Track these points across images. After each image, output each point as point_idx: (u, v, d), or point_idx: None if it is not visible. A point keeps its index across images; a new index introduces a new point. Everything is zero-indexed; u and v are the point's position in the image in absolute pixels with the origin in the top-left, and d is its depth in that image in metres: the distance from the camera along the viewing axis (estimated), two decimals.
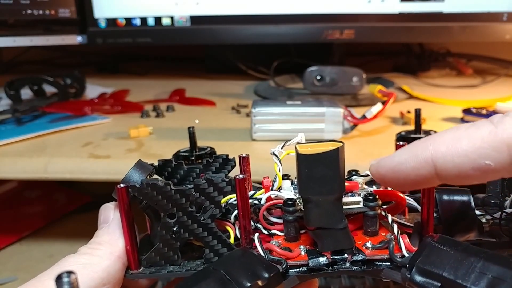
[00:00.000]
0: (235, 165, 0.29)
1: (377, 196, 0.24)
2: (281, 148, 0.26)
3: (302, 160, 0.21)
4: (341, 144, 0.21)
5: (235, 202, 0.24)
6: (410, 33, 0.75)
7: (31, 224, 0.68)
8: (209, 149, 0.32)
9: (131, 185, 0.23)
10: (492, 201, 0.26)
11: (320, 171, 0.21)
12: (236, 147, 0.50)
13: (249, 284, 0.21)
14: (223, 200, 0.24)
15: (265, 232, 0.25)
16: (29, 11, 0.70)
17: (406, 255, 0.22)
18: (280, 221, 0.25)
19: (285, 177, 0.27)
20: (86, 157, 0.47)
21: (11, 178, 0.48)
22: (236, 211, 0.24)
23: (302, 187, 0.22)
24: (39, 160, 0.47)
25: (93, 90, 0.77)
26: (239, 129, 0.56)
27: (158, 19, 0.76)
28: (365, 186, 0.26)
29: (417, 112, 0.33)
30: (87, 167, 0.46)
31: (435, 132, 0.35)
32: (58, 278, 0.15)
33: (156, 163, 0.29)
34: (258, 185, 0.27)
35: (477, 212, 0.25)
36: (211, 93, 0.76)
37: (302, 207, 0.23)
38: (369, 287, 0.46)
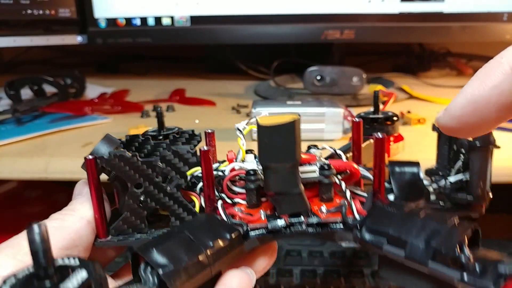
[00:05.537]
0: (200, 140, 0.30)
1: (332, 166, 0.25)
2: (246, 124, 0.28)
3: (262, 131, 0.22)
4: (298, 117, 0.22)
5: (200, 175, 0.25)
6: (410, 33, 0.75)
7: None
8: (176, 128, 0.32)
9: (100, 156, 0.24)
10: (440, 172, 0.28)
11: (278, 141, 0.22)
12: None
13: (212, 244, 0.22)
14: (189, 172, 0.26)
15: (229, 201, 0.26)
16: (29, 11, 0.70)
17: (358, 218, 0.24)
18: (243, 191, 0.26)
19: (249, 151, 0.29)
20: None
21: (11, 178, 0.48)
22: (201, 183, 0.25)
23: (262, 155, 0.23)
24: (39, 160, 0.47)
25: (93, 90, 0.77)
26: None
27: (158, 19, 0.76)
28: (322, 159, 0.27)
29: (376, 94, 0.36)
30: None
31: (394, 115, 0.36)
32: (29, 228, 0.15)
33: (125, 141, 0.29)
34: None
35: (425, 182, 0.27)
36: (211, 93, 0.76)
37: (263, 176, 0.25)
38: (369, 287, 0.46)
